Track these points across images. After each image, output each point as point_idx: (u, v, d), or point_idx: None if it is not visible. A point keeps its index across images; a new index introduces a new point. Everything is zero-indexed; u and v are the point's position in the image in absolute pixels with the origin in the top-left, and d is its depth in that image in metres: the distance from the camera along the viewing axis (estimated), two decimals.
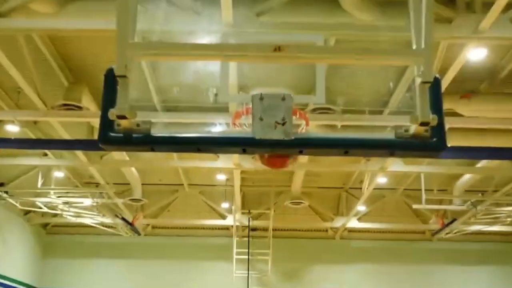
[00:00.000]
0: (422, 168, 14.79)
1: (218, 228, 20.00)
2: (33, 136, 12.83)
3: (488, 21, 8.08)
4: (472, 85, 11.09)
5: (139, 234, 19.76)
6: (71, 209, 17.35)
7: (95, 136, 8.39)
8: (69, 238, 19.92)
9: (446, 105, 9.39)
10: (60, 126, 12.24)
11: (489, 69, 10.70)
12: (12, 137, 12.67)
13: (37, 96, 10.88)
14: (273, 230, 19.00)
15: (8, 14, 8.47)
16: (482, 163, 14.80)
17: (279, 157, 7.89)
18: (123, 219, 18.07)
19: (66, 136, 12.59)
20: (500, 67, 10.68)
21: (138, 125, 4.36)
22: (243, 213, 18.84)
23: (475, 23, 8.28)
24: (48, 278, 19.77)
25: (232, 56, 4.59)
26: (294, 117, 4.56)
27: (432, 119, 4.19)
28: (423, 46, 4.15)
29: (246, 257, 18.78)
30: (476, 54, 9.42)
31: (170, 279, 19.52)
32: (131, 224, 18.46)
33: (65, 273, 19.60)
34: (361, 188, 16.88)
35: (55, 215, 18.24)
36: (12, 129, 12.32)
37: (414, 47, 4.25)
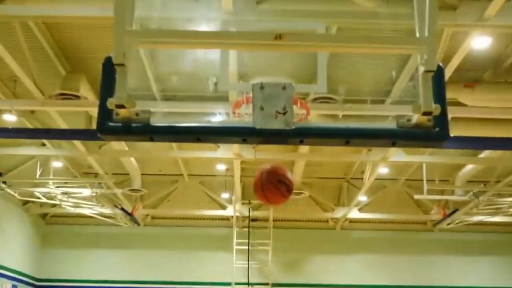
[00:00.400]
0: (424, 158, 14.70)
1: (218, 219, 19.93)
2: (30, 126, 12.70)
3: (493, 9, 7.94)
4: (476, 74, 10.96)
5: (138, 225, 19.69)
6: (70, 200, 17.27)
7: (94, 126, 8.32)
8: (68, 228, 19.85)
9: (449, 95, 9.25)
10: (58, 116, 12.14)
11: (493, 58, 10.56)
12: (9, 127, 12.55)
13: (34, 85, 10.75)
14: (273, 220, 18.94)
15: (3, 0, 8.35)
16: (484, 154, 14.69)
17: (275, 194, 7.72)
18: (122, 209, 17.99)
19: (64, 125, 12.48)
20: (504, 55, 10.54)
21: (137, 114, 4.27)
22: (243, 203, 18.77)
23: (480, 10, 8.13)
24: (47, 269, 19.72)
25: (232, 44, 4.47)
26: (295, 107, 4.46)
27: (435, 108, 4.09)
28: (426, 34, 4.02)
29: (246, 247, 18.74)
30: (480, 42, 9.28)
31: (170, 269, 19.47)
32: (130, 214, 18.38)
33: (64, 263, 19.54)
34: (362, 179, 16.79)
35: (54, 205, 18.19)
36: (9, 119, 12.20)
37: (417, 35, 4.13)
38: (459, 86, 10.76)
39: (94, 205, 17.67)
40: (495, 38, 9.56)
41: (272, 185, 7.93)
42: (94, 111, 11.20)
